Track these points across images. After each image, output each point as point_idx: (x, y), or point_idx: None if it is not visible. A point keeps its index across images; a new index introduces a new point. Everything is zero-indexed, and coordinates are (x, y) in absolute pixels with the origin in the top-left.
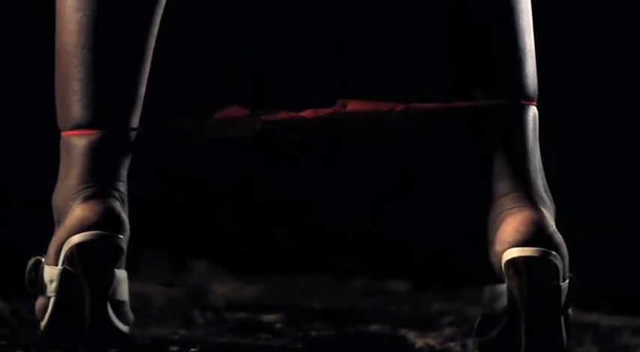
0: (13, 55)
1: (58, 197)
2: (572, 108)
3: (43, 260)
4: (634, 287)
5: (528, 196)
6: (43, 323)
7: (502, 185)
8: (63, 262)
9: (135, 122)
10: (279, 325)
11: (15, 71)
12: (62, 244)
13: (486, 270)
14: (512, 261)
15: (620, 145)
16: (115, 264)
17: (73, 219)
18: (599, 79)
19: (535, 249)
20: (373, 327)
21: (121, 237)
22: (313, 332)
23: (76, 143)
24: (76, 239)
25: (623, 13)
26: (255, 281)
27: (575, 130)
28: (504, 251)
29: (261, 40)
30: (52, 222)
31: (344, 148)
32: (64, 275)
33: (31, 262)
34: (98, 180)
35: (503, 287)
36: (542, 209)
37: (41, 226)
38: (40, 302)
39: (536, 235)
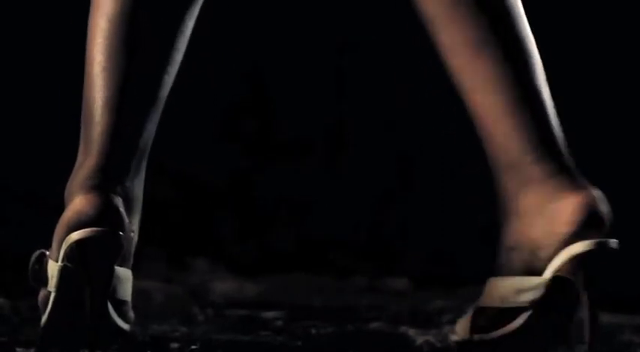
0: (13, 56)
1: (70, 185)
2: (574, 108)
3: (48, 253)
4: (635, 285)
5: (576, 176)
6: (43, 318)
7: (543, 166)
8: (63, 259)
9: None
10: (279, 322)
11: (15, 71)
12: (62, 240)
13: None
14: (577, 257)
15: (621, 143)
16: (115, 260)
17: (72, 212)
18: (599, 81)
19: (597, 241)
20: (373, 325)
21: (121, 233)
22: (313, 330)
23: (95, 129)
24: (76, 236)
25: (622, 13)
26: (255, 278)
27: (574, 129)
28: (565, 243)
29: (260, 40)
30: (51, 221)
31: (344, 148)
32: (63, 272)
33: (35, 255)
34: (105, 174)
35: (537, 280)
36: (591, 187)
37: (41, 224)
38: (42, 294)
39: (595, 220)
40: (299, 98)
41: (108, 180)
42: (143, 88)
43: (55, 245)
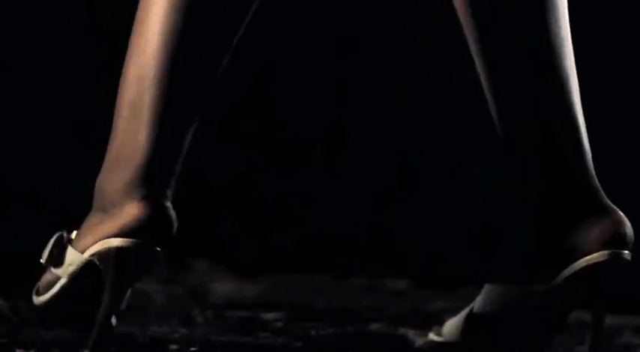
0: (13, 56)
1: (108, 183)
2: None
3: (70, 237)
4: (634, 286)
5: (603, 198)
6: (43, 298)
7: (572, 186)
8: (93, 254)
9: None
10: (279, 323)
11: (15, 71)
12: (102, 237)
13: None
14: (591, 266)
15: (620, 144)
16: (143, 274)
17: (128, 216)
18: (598, 81)
19: (612, 252)
20: (373, 326)
21: (158, 249)
22: (313, 331)
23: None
24: (120, 242)
25: (624, 13)
26: (255, 279)
27: None
28: (589, 253)
29: (260, 39)
30: (51, 221)
31: (344, 148)
32: (86, 267)
33: (56, 236)
34: (155, 182)
35: (543, 287)
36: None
37: (41, 224)
38: (49, 276)
39: (621, 243)
40: (299, 98)
41: (161, 186)
42: (194, 89)
43: (89, 238)
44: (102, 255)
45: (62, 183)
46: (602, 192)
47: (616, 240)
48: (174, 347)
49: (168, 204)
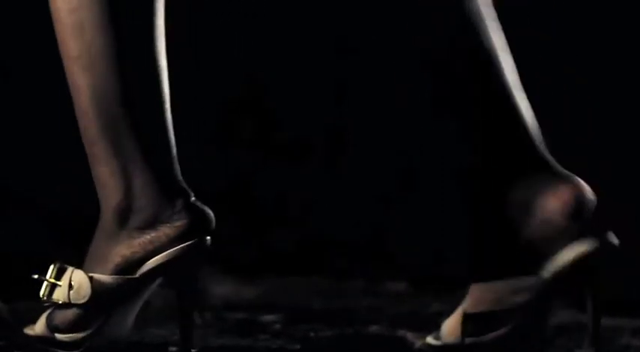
0: (13, 56)
1: (128, 203)
2: (573, 109)
3: (62, 266)
4: (633, 288)
5: (557, 168)
6: (80, 335)
7: (527, 160)
8: (152, 270)
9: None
10: (277, 325)
11: (15, 71)
12: (152, 252)
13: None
14: (580, 257)
15: (619, 146)
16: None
17: (173, 228)
18: (597, 80)
19: (600, 240)
20: (372, 328)
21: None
22: (312, 333)
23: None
24: (181, 251)
25: (622, 13)
26: (253, 281)
27: (572, 130)
28: (563, 240)
29: (260, 40)
30: (52, 221)
31: (344, 148)
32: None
33: (56, 268)
34: (178, 187)
35: (531, 280)
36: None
37: (41, 225)
38: (69, 312)
39: (584, 210)
40: (299, 98)
41: (181, 186)
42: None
43: (117, 258)
44: (167, 266)
45: (62, 183)
46: (556, 162)
47: (578, 209)
48: (172, 349)
49: (197, 204)
